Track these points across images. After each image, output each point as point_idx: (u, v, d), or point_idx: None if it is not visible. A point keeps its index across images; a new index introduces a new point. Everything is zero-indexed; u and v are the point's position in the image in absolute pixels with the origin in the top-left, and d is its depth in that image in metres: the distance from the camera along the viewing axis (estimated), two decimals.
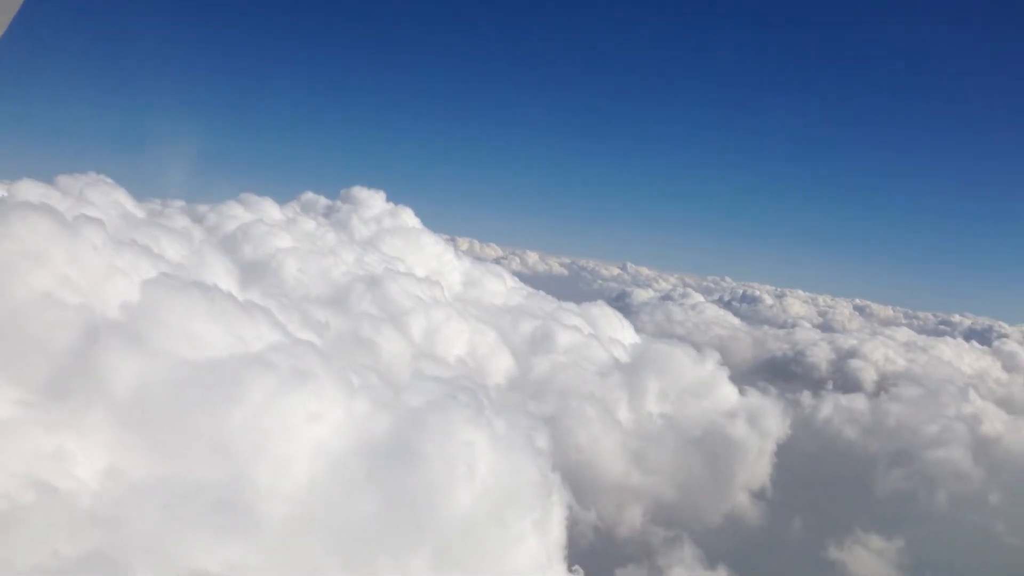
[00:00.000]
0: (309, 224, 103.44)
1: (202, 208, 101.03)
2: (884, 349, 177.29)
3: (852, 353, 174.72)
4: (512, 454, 40.35)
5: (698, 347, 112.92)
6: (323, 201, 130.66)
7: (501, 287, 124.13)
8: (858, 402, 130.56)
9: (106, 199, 64.05)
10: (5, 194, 49.88)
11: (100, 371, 34.18)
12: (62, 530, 23.90)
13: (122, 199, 68.03)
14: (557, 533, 42.30)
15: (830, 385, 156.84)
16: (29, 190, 54.43)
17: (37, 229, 40.45)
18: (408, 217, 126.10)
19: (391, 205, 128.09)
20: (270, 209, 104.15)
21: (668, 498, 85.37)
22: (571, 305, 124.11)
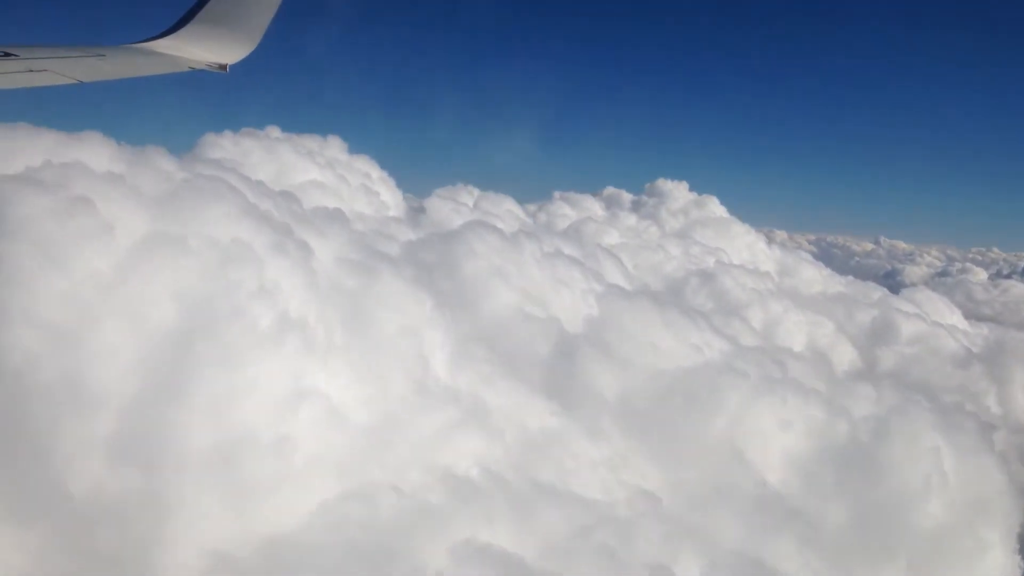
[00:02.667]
0: (630, 219, 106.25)
1: (530, 207, 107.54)
2: None
3: None
4: (975, 459, 38.51)
5: None
6: (625, 195, 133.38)
7: (816, 274, 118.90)
8: None
9: (499, 208, 70.13)
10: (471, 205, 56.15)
11: (587, 381, 37.41)
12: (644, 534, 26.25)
13: (513, 207, 74.22)
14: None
15: None
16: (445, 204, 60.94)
17: (493, 246, 45.13)
18: (715, 206, 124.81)
19: (695, 195, 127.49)
20: (591, 205, 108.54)
21: None
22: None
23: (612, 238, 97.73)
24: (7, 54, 6.26)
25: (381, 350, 27.40)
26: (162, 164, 30.05)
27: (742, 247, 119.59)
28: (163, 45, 7.89)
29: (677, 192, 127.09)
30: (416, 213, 59.60)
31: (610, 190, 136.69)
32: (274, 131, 56.24)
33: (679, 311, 42.92)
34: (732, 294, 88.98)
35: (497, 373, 33.18)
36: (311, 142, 57.08)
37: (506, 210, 70.79)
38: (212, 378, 22.75)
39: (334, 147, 58.17)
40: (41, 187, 22.93)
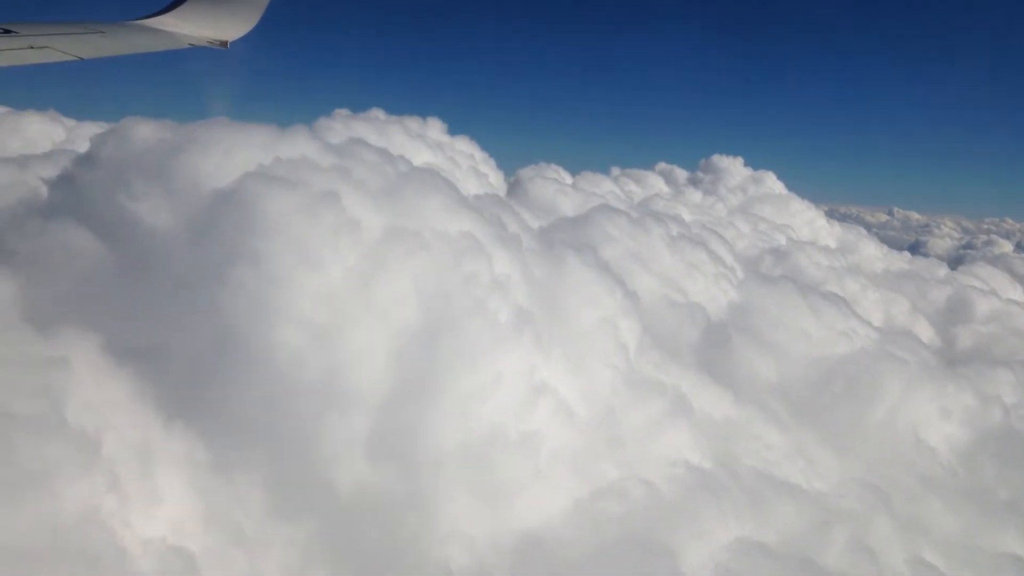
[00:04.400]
0: (695, 195, 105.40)
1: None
2: None
3: None
4: None
5: None
6: (678, 171, 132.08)
7: (876, 251, 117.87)
8: None
9: (600, 188, 69.60)
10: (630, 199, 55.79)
11: (746, 369, 37.19)
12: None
13: (614, 187, 73.61)
14: None
15: None
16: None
17: (625, 230, 44.77)
18: (772, 182, 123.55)
19: (751, 171, 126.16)
20: (654, 181, 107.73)
21: None
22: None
23: (683, 216, 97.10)
24: (7, 31, 6.21)
25: (586, 341, 27.29)
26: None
27: (802, 223, 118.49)
28: (163, 22, 7.79)
29: (733, 168, 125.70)
30: (520, 194, 59.20)
31: (662, 166, 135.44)
32: (379, 113, 55.87)
33: (819, 295, 42.56)
34: (808, 272, 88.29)
35: (668, 361, 33.05)
36: (413, 123, 56.67)
37: (607, 190, 70.25)
38: (459, 373, 22.73)
39: (434, 128, 57.77)
40: (287, 184, 22.81)
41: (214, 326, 21.67)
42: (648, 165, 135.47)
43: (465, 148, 56.97)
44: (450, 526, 21.52)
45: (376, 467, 21.69)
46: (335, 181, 23.58)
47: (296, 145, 26.19)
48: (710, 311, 40.62)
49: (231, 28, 7.94)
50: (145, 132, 26.62)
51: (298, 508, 21.14)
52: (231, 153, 25.14)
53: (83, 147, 47.84)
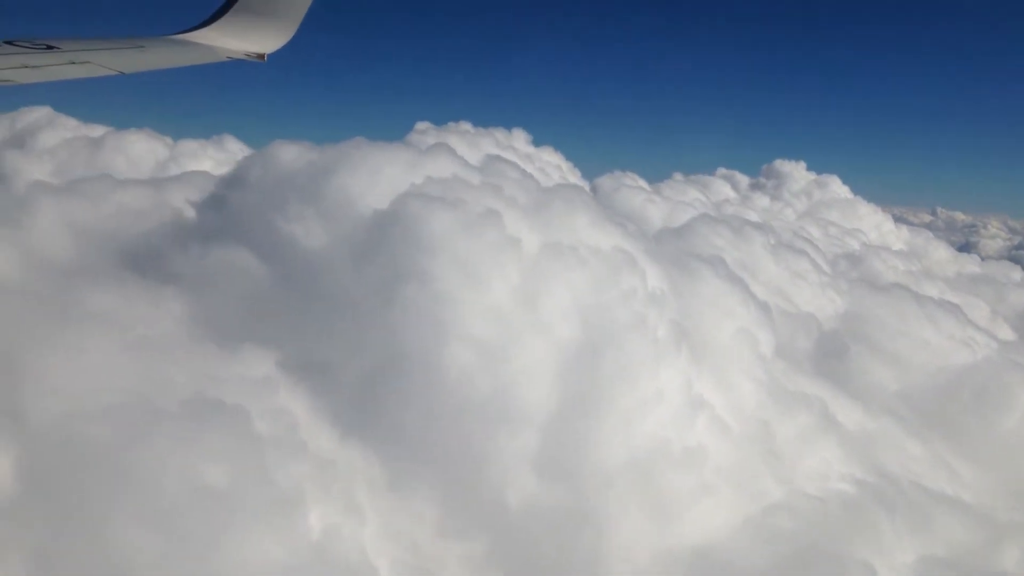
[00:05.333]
0: (763, 200, 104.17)
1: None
2: None
3: None
4: None
5: None
6: (739, 176, 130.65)
7: (946, 254, 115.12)
8: None
9: (686, 196, 69.23)
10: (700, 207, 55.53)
11: (867, 379, 36.49)
12: None
13: (700, 195, 73.17)
14: None
15: None
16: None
17: (729, 240, 44.27)
18: (837, 186, 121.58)
19: (815, 175, 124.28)
20: (720, 187, 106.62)
21: None
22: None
23: (752, 219, 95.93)
24: (49, 47, 6.22)
25: (729, 353, 27.05)
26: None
27: (870, 227, 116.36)
28: (201, 35, 7.80)
29: (796, 173, 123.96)
30: (607, 204, 59.01)
31: (723, 171, 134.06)
32: (464, 125, 56.28)
33: (934, 303, 41.66)
34: (884, 277, 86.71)
35: (796, 373, 32.60)
36: (499, 135, 56.97)
37: (694, 198, 69.80)
38: (622, 389, 22.66)
39: (520, 140, 57.98)
40: (447, 203, 23.03)
41: (383, 344, 21.94)
42: (706, 170, 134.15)
43: (551, 159, 57.08)
44: (620, 542, 21.43)
45: (545, 483, 21.70)
46: (490, 199, 23.75)
47: (439, 163, 26.45)
48: (821, 320, 40.00)
49: (268, 41, 8.04)
50: (291, 154, 27.14)
51: (471, 525, 21.23)
52: (379, 173, 25.49)
53: (189, 165, 49.23)
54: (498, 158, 29.14)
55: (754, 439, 24.52)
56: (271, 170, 26.45)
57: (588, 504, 21.62)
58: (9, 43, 6.14)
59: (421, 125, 56.86)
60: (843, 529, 21.12)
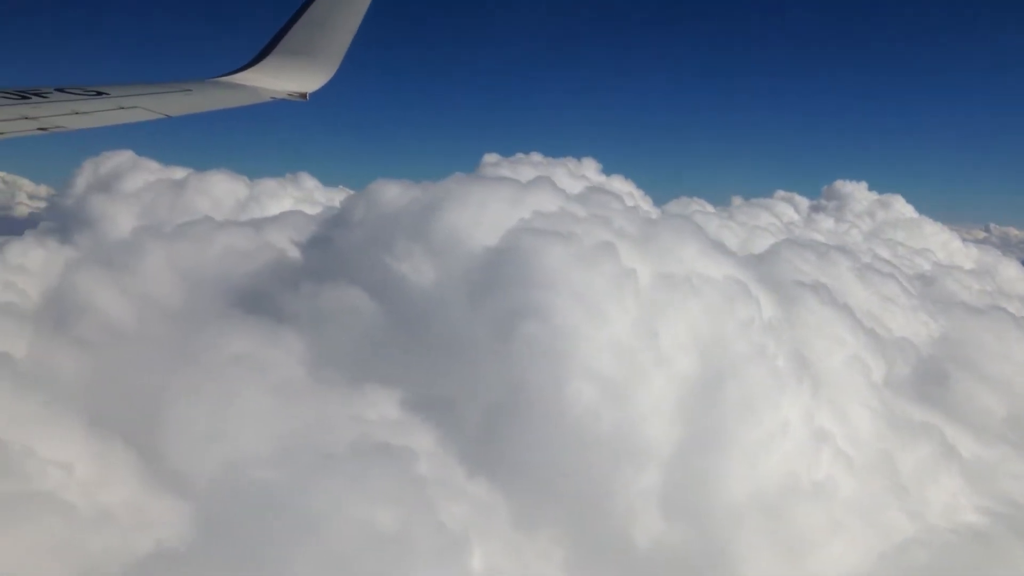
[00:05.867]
0: (827, 222, 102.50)
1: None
2: None
3: None
4: None
5: None
6: (798, 199, 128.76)
7: (1016, 272, 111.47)
8: None
9: (760, 221, 68.41)
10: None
11: (967, 402, 35.19)
12: None
13: (773, 219, 72.36)
14: None
15: None
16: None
17: (814, 265, 43.32)
18: (901, 205, 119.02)
19: (876, 195, 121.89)
20: (784, 209, 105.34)
21: None
22: None
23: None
24: (99, 92, 6.41)
25: (841, 382, 26.30)
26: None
27: (937, 247, 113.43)
28: (245, 77, 8.02)
29: (858, 193, 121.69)
30: None
31: (781, 193, 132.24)
32: (535, 156, 56.42)
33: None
34: (960, 298, 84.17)
35: (899, 399, 31.60)
36: (571, 164, 56.96)
37: (768, 222, 68.89)
38: (745, 422, 22.16)
39: (590, 168, 57.91)
40: (560, 237, 22.94)
41: (504, 380, 21.83)
42: (763, 193, 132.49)
43: (623, 187, 56.84)
44: None
45: (672, 521, 21.25)
46: (601, 231, 23.62)
47: (542, 197, 26.45)
48: (917, 345, 38.86)
49: (310, 80, 8.28)
50: (393, 193, 27.41)
51: (599, 564, 20.84)
52: (484, 208, 25.58)
53: (269, 204, 50.20)
54: (598, 189, 29.05)
55: (877, 471, 23.75)
56: (375, 209, 26.74)
57: (717, 542, 21.09)
58: (60, 90, 6.36)
59: (490, 157, 57.26)
60: (981, 562, 20.22)
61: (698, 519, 21.26)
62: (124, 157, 55.07)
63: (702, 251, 25.02)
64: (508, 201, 25.94)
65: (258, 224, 32.75)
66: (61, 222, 49.83)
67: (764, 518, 21.40)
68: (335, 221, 27.92)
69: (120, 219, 45.36)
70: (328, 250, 26.56)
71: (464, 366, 22.17)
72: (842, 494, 22.49)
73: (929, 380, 36.84)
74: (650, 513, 21.20)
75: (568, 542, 20.79)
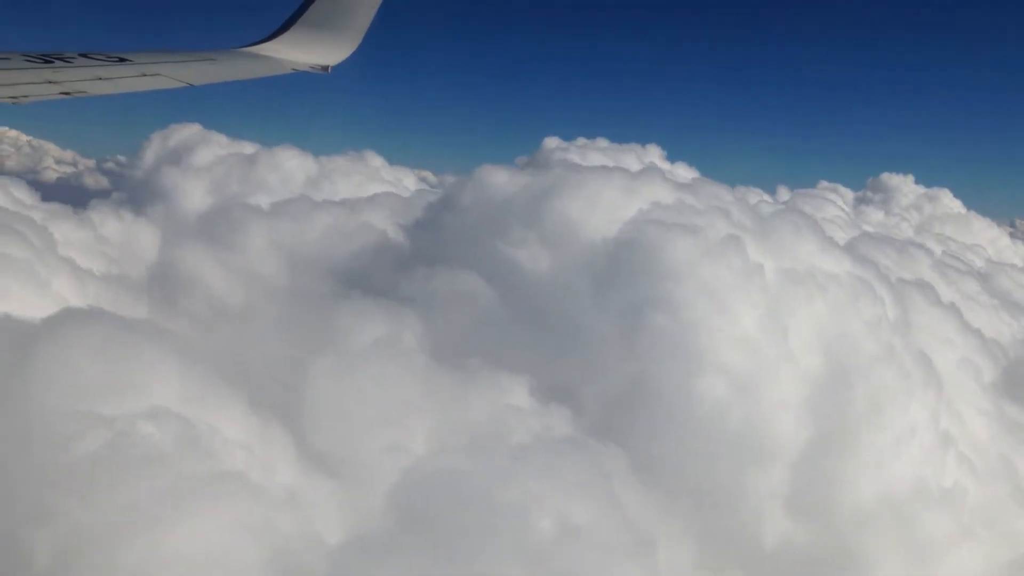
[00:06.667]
0: (876, 215, 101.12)
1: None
2: None
3: None
4: None
5: None
6: (842, 190, 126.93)
7: None
8: None
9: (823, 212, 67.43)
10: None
11: None
12: None
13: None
14: None
15: None
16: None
17: (895, 261, 42.46)
18: (948, 200, 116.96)
19: (923, 189, 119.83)
20: (833, 199, 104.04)
21: None
22: None
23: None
24: (122, 59, 6.37)
25: (957, 383, 25.72)
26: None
27: (986, 242, 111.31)
28: (268, 48, 8.01)
29: (905, 187, 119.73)
30: None
31: (825, 184, 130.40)
32: (602, 141, 55.67)
33: None
34: (1014, 296, 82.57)
35: (1005, 401, 30.92)
36: (636, 149, 56.17)
37: (833, 215, 67.75)
38: (873, 423, 21.71)
39: (655, 155, 57.08)
40: (685, 229, 22.50)
41: (630, 372, 21.53)
42: (807, 183, 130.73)
43: (688, 174, 56.02)
44: None
45: (800, 522, 20.92)
46: (722, 224, 23.13)
47: (655, 187, 25.99)
48: (1004, 345, 38.01)
49: (332, 53, 8.28)
50: (500, 179, 27.03)
51: (728, 563, 20.57)
52: (597, 197, 25.16)
53: (339, 181, 50.05)
54: (705, 181, 28.54)
55: (998, 476, 23.23)
56: (483, 193, 26.38)
57: (845, 544, 20.74)
58: (84, 55, 6.34)
59: (550, 141, 56.61)
60: None
61: (826, 520, 20.92)
62: (192, 130, 55.12)
63: (822, 247, 24.47)
64: (621, 190, 25.50)
65: (353, 205, 32.53)
66: (132, 193, 50.11)
67: (893, 522, 21.01)
68: (441, 205, 27.62)
69: (193, 193, 45.43)
70: (437, 234, 26.29)
71: (588, 357, 21.88)
72: (969, 500, 22.04)
73: (1021, 381, 36.08)
74: (778, 512, 20.89)
75: (694, 539, 20.50)
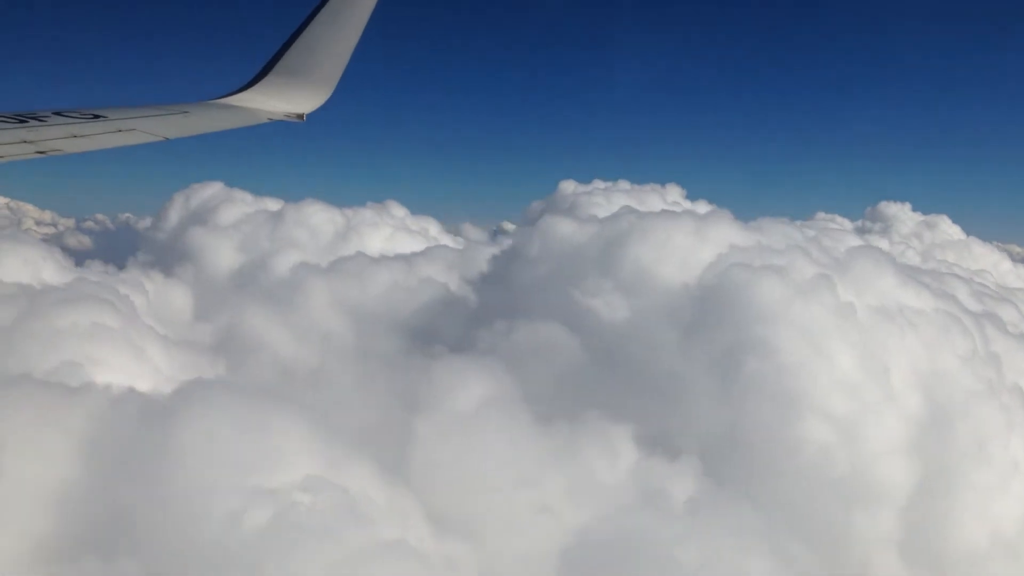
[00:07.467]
0: (882, 244, 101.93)
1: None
2: None
3: None
4: None
5: None
6: (840, 219, 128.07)
7: None
8: None
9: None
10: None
11: None
12: None
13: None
14: None
15: None
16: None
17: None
18: (947, 226, 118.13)
19: (922, 216, 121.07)
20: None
21: None
22: None
23: None
24: (96, 116, 6.43)
25: None
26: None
27: (988, 268, 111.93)
28: (243, 98, 8.06)
29: (903, 214, 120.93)
30: None
31: (822, 215, 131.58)
32: (623, 183, 55.86)
33: None
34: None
35: None
36: (657, 190, 56.36)
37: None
38: (975, 460, 21.33)
39: (675, 194, 57.29)
40: (771, 271, 22.33)
41: (728, 418, 21.12)
42: (803, 215, 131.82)
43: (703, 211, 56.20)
44: None
45: (910, 565, 20.39)
46: (804, 264, 22.99)
47: (722, 229, 25.89)
48: None
49: (307, 101, 8.32)
50: (566, 229, 26.87)
51: None
52: (668, 242, 25.01)
53: (367, 233, 49.72)
54: (770, 219, 28.49)
55: None
56: (549, 243, 26.19)
57: None
58: (58, 113, 6.39)
59: (567, 185, 56.70)
60: None
61: (938, 562, 20.40)
62: (215, 188, 54.86)
63: (901, 282, 24.35)
64: (690, 234, 25.38)
65: (409, 260, 32.22)
66: (158, 255, 49.54)
67: (1008, 562, 20.52)
68: (506, 256, 27.36)
69: (224, 251, 45.01)
70: (506, 286, 25.99)
71: (685, 404, 21.47)
72: None
73: None
74: (891, 557, 20.37)
75: None
